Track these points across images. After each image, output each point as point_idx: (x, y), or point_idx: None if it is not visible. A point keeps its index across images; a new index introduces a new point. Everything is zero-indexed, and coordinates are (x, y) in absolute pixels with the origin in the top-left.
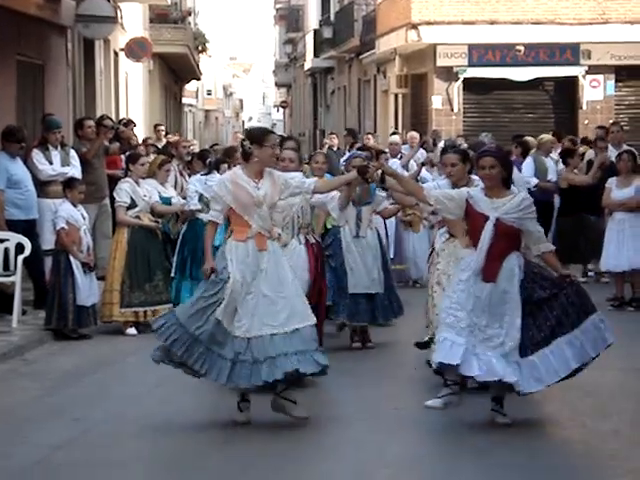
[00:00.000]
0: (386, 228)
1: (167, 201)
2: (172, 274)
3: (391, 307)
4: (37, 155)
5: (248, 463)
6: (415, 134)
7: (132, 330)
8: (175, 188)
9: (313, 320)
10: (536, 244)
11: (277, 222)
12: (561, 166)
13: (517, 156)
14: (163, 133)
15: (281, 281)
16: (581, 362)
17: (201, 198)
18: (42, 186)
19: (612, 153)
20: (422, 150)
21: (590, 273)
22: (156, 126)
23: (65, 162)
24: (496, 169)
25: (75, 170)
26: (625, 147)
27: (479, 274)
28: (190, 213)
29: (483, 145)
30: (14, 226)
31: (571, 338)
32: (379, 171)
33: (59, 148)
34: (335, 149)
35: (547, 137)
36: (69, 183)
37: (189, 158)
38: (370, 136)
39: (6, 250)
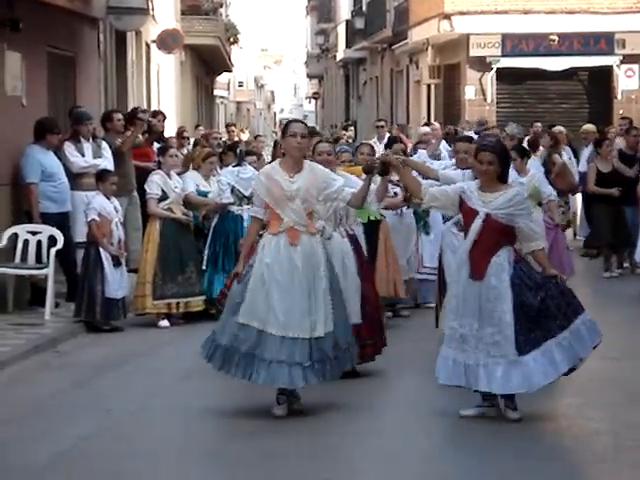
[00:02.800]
0: None
1: (203, 195)
2: (204, 267)
3: None
4: (69, 147)
5: (272, 452)
6: (437, 125)
7: (164, 322)
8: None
9: (330, 328)
10: (527, 241)
11: (321, 214)
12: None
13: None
14: (235, 132)
15: (314, 283)
16: (571, 364)
17: (233, 190)
18: (75, 178)
19: None
20: (444, 142)
21: (625, 264)
22: (228, 125)
23: (97, 154)
24: (494, 166)
25: (107, 162)
26: None
27: (467, 271)
28: (222, 206)
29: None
30: (48, 219)
31: (560, 340)
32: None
33: (90, 140)
34: (350, 141)
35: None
36: (101, 175)
37: (220, 150)
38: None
39: (39, 243)
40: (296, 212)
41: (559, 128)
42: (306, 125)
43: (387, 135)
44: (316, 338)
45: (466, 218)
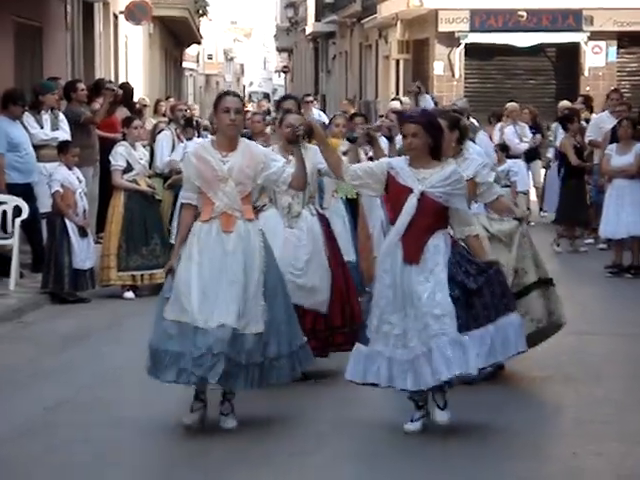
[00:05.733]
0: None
1: None
2: (172, 241)
3: None
4: (28, 118)
5: (240, 431)
6: (407, 100)
7: (129, 294)
8: (173, 152)
9: (259, 329)
10: (461, 225)
11: (282, 190)
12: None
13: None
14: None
15: (246, 272)
16: (485, 364)
17: None
18: (34, 150)
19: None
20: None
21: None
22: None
23: (55, 126)
24: (419, 138)
25: (65, 134)
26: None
27: (400, 255)
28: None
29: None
30: (13, 189)
31: (483, 333)
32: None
33: (49, 112)
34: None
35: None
36: (63, 146)
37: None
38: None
39: (4, 213)
40: (229, 195)
41: (513, 104)
42: (241, 98)
43: (316, 110)
44: (242, 334)
45: (395, 198)
